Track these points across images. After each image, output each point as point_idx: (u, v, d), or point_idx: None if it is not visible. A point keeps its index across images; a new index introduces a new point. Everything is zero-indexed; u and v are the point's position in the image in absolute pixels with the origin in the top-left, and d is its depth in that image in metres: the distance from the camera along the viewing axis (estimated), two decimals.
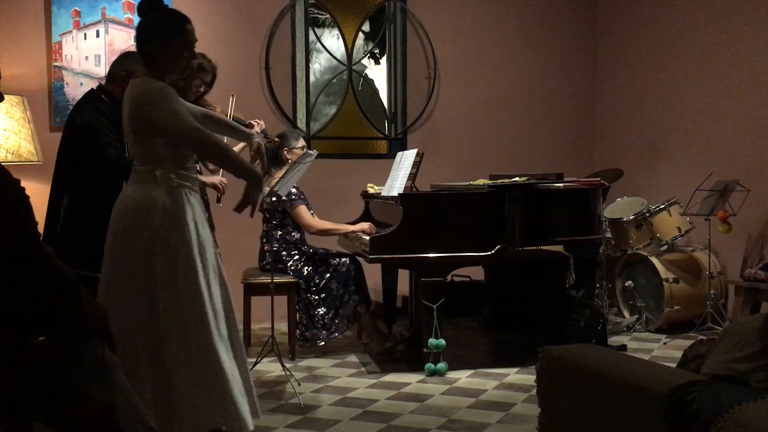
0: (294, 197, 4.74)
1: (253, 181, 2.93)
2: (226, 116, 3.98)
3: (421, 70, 6.38)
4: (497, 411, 3.65)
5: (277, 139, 4.12)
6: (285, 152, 4.81)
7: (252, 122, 4.10)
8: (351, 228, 4.86)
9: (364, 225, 4.85)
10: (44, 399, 1.80)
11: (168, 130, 2.80)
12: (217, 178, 3.83)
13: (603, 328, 4.57)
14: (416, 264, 4.36)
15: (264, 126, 4.21)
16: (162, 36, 2.85)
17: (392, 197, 4.53)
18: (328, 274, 4.73)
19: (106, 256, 2.93)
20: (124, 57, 3.59)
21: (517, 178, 4.63)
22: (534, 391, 2.65)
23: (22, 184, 1.81)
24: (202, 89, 3.87)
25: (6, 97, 4.80)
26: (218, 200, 3.82)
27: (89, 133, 3.35)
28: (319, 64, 6.38)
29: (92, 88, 3.59)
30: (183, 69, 2.98)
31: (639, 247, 5.46)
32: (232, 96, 4.13)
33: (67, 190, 3.39)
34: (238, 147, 4.19)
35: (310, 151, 4.23)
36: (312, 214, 4.81)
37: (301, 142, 4.91)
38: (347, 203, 5.73)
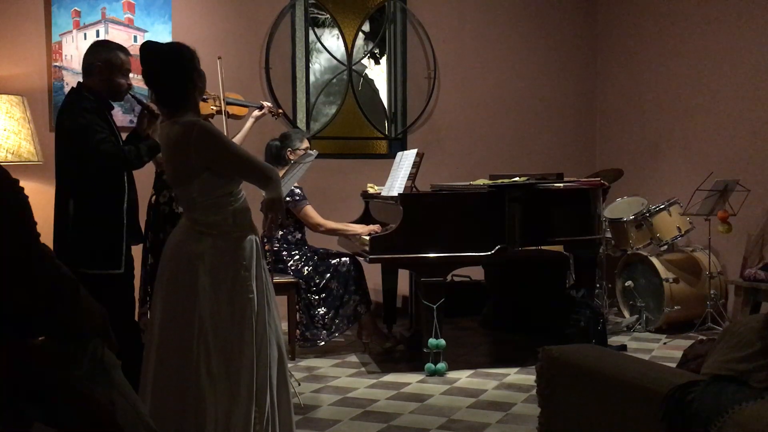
0: (298, 198, 4.73)
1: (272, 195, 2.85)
2: (220, 100, 4.23)
3: (421, 70, 6.38)
4: (497, 411, 3.65)
5: (281, 111, 5.03)
6: (289, 153, 4.81)
7: (262, 103, 4.71)
8: (360, 229, 4.84)
9: (373, 227, 4.83)
10: (44, 399, 1.80)
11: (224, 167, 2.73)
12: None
13: (603, 328, 4.57)
14: (416, 264, 4.36)
15: (271, 105, 4.79)
16: (193, 73, 2.79)
17: (392, 197, 4.53)
18: (329, 274, 4.73)
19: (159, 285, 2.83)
20: (97, 46, 3.50)
21: (517, 178, 4.62)
22: (534, 391, 2.65)
23: (22, 184, 1.81)
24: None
25: (6, 97, 4.84)
26: None
27: (81, 136, 3.31)
28: (319, 64, 6.38)
29: (73, 87, 3.52)
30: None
31: (639, 247, 5.46)
32: (219, 58, 4.28)
33: (72, 194, 3.39)
34: (241, 133, 4.46)
35: (310, 151, 4.24)
36: None
37: (305, 144, 4.90)
38: (347, 203, 5.73)
